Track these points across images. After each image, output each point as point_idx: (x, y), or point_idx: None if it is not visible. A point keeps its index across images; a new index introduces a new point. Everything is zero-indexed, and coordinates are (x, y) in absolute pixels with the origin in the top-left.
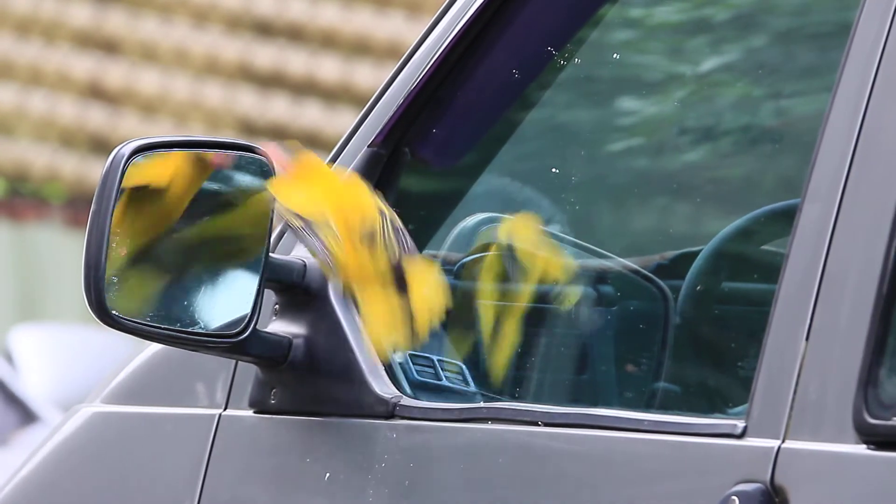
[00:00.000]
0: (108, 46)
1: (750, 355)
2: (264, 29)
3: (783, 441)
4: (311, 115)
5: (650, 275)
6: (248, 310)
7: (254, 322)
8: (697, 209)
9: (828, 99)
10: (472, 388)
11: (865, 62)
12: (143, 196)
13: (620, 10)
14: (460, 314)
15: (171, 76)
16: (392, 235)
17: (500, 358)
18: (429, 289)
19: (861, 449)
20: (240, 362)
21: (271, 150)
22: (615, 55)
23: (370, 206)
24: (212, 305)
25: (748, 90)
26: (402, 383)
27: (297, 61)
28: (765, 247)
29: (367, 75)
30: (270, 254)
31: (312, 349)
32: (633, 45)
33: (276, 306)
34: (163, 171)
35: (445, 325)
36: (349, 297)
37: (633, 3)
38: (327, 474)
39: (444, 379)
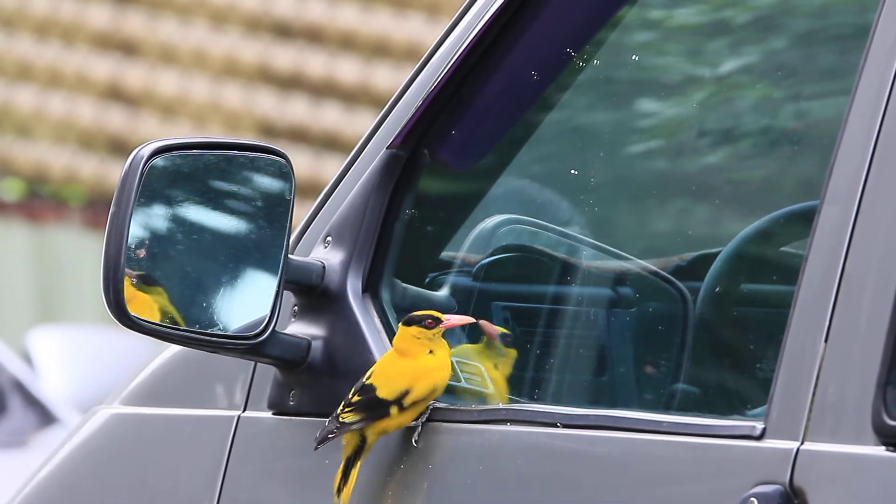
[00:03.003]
0: (127, 48)
1: (769, 357)
2: (283, 30)
3: (802, 443)
4: (331, 116)
5: (669, 276)
6: (266, 311)
7: (273, 324)
8: (716, 211)
9: (847, 101)
10: (491, 389)
11: (884, 64)
12: (161, 198)
13: (639, 12)
14: (479, 316)
15: (191, 78)
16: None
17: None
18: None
19: (880, 450)
20: (259, 364)
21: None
22: (634, 57)
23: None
24: (230, 307)
25: (767, 92)
26: None
27: (316, 63)
28: (784, 248)
29: (387, 77)
30: (289, 255)
31: (331, 351)
32: (652, 47)
33: (295, 308)
34: None
35: (464, 327)
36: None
37: (652, 4)
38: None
39: (462, 380)
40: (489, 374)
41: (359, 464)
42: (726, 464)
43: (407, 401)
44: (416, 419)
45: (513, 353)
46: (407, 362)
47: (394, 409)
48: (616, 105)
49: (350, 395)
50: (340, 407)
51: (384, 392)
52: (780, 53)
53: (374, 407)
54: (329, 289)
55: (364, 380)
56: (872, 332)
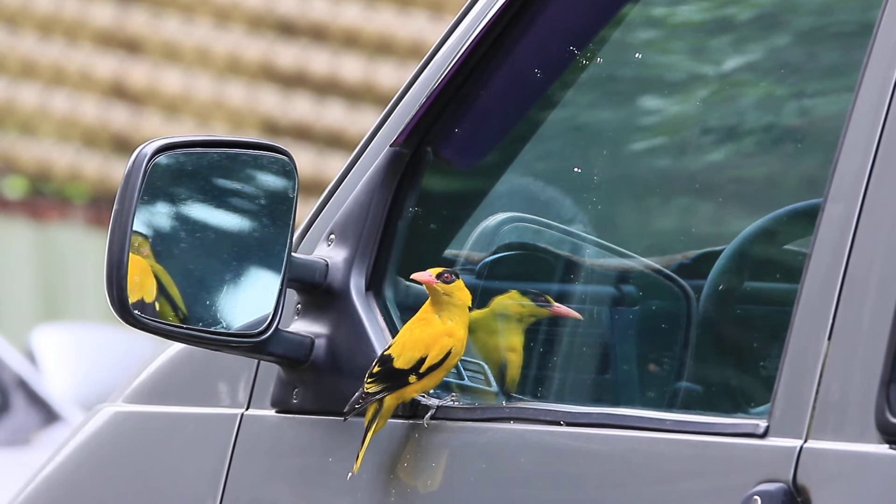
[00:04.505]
0: (130, 46)
1: (772, 355)
2: (287, 28)
3: (805, 441)
4: (334, 114)
5: (672, 274)
6: (270, 309)
7: (276, 322)
8: (720, 208)
9: (850, 99)
10: (494, 387)
11: (888, 61)
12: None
13: (643, 10)
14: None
15: (194, 76)
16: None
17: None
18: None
19: (883, 448)
20: (262, 362)
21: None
22: (637, 55)
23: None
24: (234, 305)
25: (771, 90)
26: None
27: (319, 61)
28: (787, 246)
29: (390, 75)
30: (292, 253)
31: (334, 349)
32: (655, 45)
33: (298, 306)
34: None
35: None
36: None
37: (655, 2)
38: (350, 474)
39: (466, 378)
40: (506, 338)
41: (374, 428)
42: (729, 462)
43: (423, 368)
44: (425, 394)
45: (530, 307)
46: (422, 329)
47: (412, 378)
48: (619, 103)
49: (372, 366)
50: (366, 377)
51: (400, 362)
52: (783, 51)
53: (393, 377)
54: (332, 287)
55: (385, 349)
56: (876, 330)
